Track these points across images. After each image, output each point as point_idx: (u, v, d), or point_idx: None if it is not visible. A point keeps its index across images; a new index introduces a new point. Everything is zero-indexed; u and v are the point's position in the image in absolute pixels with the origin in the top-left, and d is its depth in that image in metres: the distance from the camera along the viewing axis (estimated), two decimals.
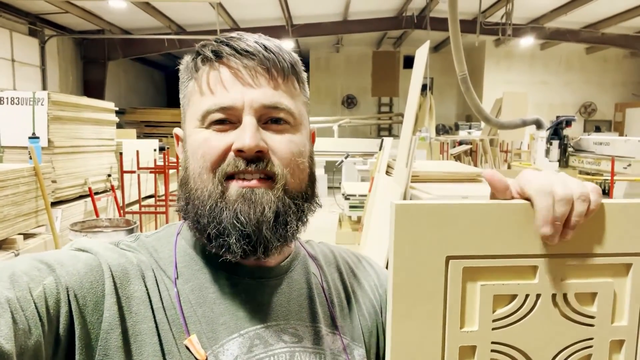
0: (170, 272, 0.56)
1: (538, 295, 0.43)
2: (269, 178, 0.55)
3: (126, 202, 4.52)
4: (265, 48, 0.55)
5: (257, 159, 0.54)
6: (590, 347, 0.44)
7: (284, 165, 0.55)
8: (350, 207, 5.32)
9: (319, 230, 5.17)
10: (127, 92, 11.61)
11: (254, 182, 0.54)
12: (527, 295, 0.42)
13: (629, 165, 6.32)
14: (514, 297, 0.43)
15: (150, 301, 0.53)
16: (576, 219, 0.42)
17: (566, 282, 0.43)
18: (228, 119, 0.55)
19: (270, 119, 0.56)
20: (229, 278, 0.57)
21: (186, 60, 0.60)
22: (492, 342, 0.43)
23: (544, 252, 0.42)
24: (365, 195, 4.53)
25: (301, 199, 0.57)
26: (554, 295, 0.43)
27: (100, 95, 9.17)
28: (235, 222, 0.52)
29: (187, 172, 0.57)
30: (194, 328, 0.53)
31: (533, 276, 0.43)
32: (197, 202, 0.55)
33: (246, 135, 0.53)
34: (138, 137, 6.89)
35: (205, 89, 0.55)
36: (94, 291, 0.49)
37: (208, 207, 0.54)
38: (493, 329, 0.42)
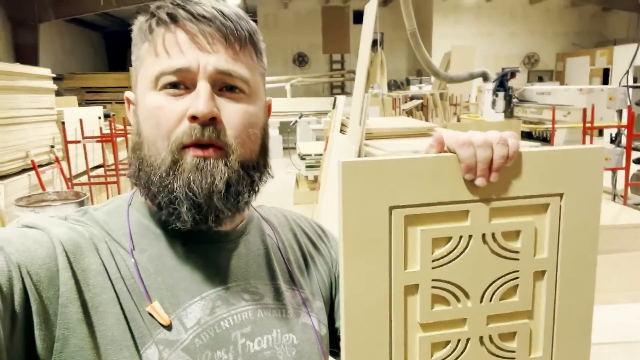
0: (124, 243, 0.55)
1: (470, 236, 0.47)
2: (220, 148, 0.55)
3: (73, 173, 4.33)
4: (223, 15, 0.54)
5: (210, 125, 0.53)
6: (517, 278, 0.49)
7: (235, 135, 0.55)
8: (307, 166, 5.36)
9: (277, 192, 5.20)
10: (64, 57, 10.85)
11: (208, 151, 0.54)
12: (460, 237, 0.47)
13: (569, 113, 6.67)
14: (449, 239, 0.47)
15: (108, 272, 0.52)
16: (499, 161, 0.46)
17: (493, 222, 0.48)
18: (182, 83, 0.54)
19: (225, 86, 0.55)
20: (186, 244, 0.57)
21: (139, 22, 0.58)
22: (433, 280, 0.48)
23: (474, 198, 0.47)
24: (321, 155, 4.58)
25: (253, 169, 0.58)
26: (483, 235, 0.48)
27: (34, 61, 8.52)
28: (187, 191, 0.52)
29: (140, 138, 0.56)
30: (155, 295, 0.53)
31: (465, 219, 0.47)
32: (149, 170, 0.54)
33: (201, 101, 0.52)
34: (80, 104, 6.52)
35: (160, 50, 0.54)
36: (46, 267, 0.48)
37: (159, 175, 0.53)
38: (433, 268, 0.47)
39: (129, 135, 0.61)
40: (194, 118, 0.52)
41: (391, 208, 0.46)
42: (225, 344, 0.55)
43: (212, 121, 0.53)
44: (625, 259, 1.97)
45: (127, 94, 0.62)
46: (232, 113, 0.55)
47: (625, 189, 4.16)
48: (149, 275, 0.54)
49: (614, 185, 4.31)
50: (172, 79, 0.53)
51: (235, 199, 0.55)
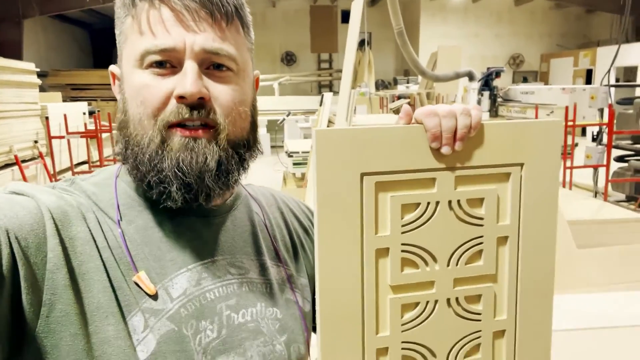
0: (112, 214, 0.55)
1: (437, 203, 0.50)
2: (210, 127, 0.54)
3: (57, 169, 4.30)
4: None
5: (199, 105, 0.53)
6: (481, 243, 0.52)
7: (225, 114, 0.54)
8: (294, 164, 5.37)
9: None
10: (48, 53, 10.72)
11: (198, 132, 0.53)
12: (428, 203, 0.50)
13: (552, 112, 6.78)
14: (418, 205, 0.50)
15: (95, 241, 0.52)
16: (463, 131, 0.49)
17: (459, 190, 0.51)
18: (168, 62, 0.53)
19: (212, 64, 0.54)
20: (174, 217, 0.58)
21: None
22: (402, 244, 0.50)
23: (440, 166, 0.50)
24: (308, 152, 4.60)
25: (243, 147, 0.58)
26: (449, 202, 0.51)
27: (17, 57, 8.36)
28: (176, 170, 0.52)
29: (126, 116, 0.55)
30: (142, 265, 0.54)
31: (432, 186, 0.50)
32: (136, 149, 0.54)
33: (187, 81, 0.51)
34: (64, 101, 6.46)
35: (144, 28, 0.53)
36: (34, 233, 0.48)
37: (148, 155, 0.53)
38: (402, 232, 0.50)
39: (117, 110, 0.61)
40: (181, 98, 0.52)
41: (362, 175, 0.48)
42: (210, 315, 0.55)
43: (200, 101, 0.53)
44: (605, 253, 2.03)
45: (112, 67, 0.61)
46: (220, 93, 0.54)
47: (605, 186, 4.25)
48: (135, 245, 0.54)
49: (595, 182, 4.40)
50: (157, 57, 0.52)
51: (225, 177, 0.55)
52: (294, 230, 0.71)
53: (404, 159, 0.49)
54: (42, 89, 4.54)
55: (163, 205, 0.54)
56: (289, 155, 5.46)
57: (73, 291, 0.49)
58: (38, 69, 4.39)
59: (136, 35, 0.54)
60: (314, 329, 0.71)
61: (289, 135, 7.82)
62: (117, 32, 0.58)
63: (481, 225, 0.52)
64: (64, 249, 0.50)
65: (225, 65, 0.55)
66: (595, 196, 4.32)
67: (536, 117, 5.98)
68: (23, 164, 3.82)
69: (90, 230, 0.53)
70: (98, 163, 4.62)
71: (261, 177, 6.35)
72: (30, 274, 0.47)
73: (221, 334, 0.56)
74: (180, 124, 0.53)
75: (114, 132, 0.59)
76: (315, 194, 0.48)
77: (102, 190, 0.58)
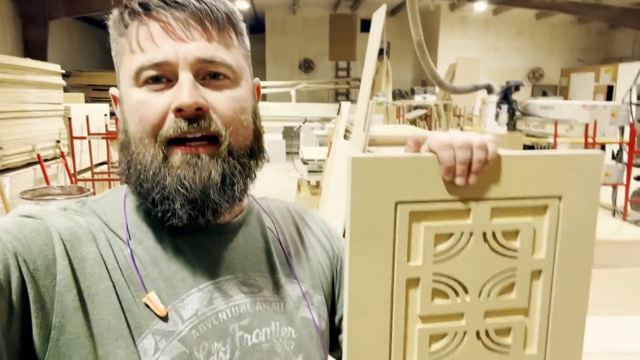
0: (122, 234, 0.55)
1: (471, 234, 0.50)
2: (212, 140, 0.53)
3: (77, 169, 4.37)
4: None
5: (198, 117, 0.52)
6: (514, 276, 0.51)
7: (226, 124, 0.53)
8: (309, 171, 5.38)
9: (279, 195, 5.21)
10: (72, 54, 10.94)
11: (199, 149, 0.53)
12: (462, 234, 0.49)
13: (571, 128, 6.69)
14: (451, 235, 0.49)
15: (105, 262, 0.52)
16: (477, 165, 0.47)
17: (494, 221, 0.50)
18: (163, 76, 0.52)
19: (208, 74, 0.53)
20: (183, 236, 0.57)
21: (114, 15, 0.56)
22: (434, 274, 0.50)
23: (476, 197, 0.49)
24: (324, 160, 4.60)
25: (247, 156, 0.56)
26: (484, 233, 0.50)
27: (42, 57, 8.57)
28: (179, 187, 0.52)
29: (127, 136, 0.55)
30: (152, 286, 0.53)
31: (467, 217, 0.50)
32: (139, 167, 0.53)
33: (183, 93, 0.50)
34: (86, 101, 6.58)
35: (135, 46, 0.52)
36: (43, 255, 0.48)
37: (151, 173, 0.52)
38: (434, 262, 0.49)
39: (119, 131, 0.61)
40: (179, 111, 0.51)
41: (397, 203, 0.48)
42: (222, 336, 0.54)
43: (198, 111, 0.51)
44: (623, 274, 1.98)
45: (112, 90, 0.60)
46: (219, 102, 0.53)
47: (625, 205, 4.17)
48: (145, 266, 0.54)
49: (614, 201, 4.32)
50: (152, 73, 0.52)
51: (231, 189, 0.54)
52: (308, 242, 0.69)
53: (439, 188, 0.49)
54: (64, 88, 4.63)
55: (169, 223, 0.53)
56: (304, 162, 5.48)
57: (83, 313, 0.49)
58: (62, 71, 4.48)
59: (129, 54, 0.54)
60: (331, 349, 0.70)
61: (304, 142, 7.84)
62: (113, 54, 0.57)
63: (515, 258, 0.51)
64: (74, 271, 0.50)
65: (221, 73, 0.54)
66: (614, 215, 4.25)
67: (555, 132, 5.88)
68: (45, 163, 3.89)
69: (100, 251, 0.53)
70: (117, 164, 4.68)
71: (275, 183, 6.36)
72: (40, 297, 0.47)
73: (234, 355, 0.55)
74: (181, 140, 0.53)
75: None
76: (348, 220, 0.48)
77: (112, 210, 0.57)
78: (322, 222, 0.74)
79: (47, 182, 3.83)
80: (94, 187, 4.24)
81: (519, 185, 0.50)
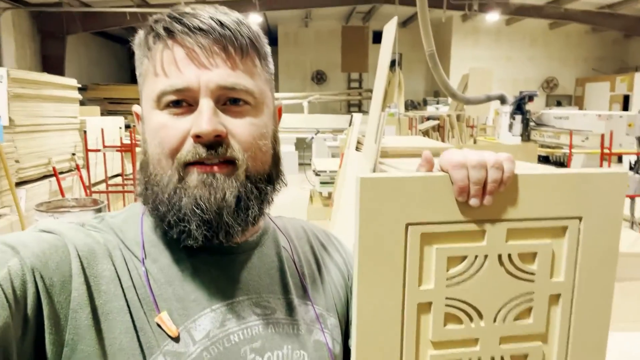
0: (137, 252, 0.55)
1: (486, 256, 0.48)
2: (229, 163, 0.53)
3: (92, 181, 4.43)
4: (221, 24, 0.52)
5: (216, 143, 0.52)
6: (532, 300, 0.49)
7: (244, 149, 0.53)
8: (321, 183, 5.37)
9: (291, 206, 5.21)
10: (89, 68, 11.17)
11: (214, 168, 0.53)
12: (476, 256, 0.47)
13: (587, 138, 6.59)
14: (464, 257, 0.47)
15: (120, 280, 0.52)
16: (492, 185, 0.46)
17: (510, 243, 0.48)
18: (184, 100, 0.53)
19: (228, 99, 0.53)
20: (198, 255, 0.56)
21: (139, 37, 0.56)
22: (446, 298, 0.48)
23: (491, 218, 0.47)
24: (336, 171, 4.59)
25: (264, 181, 0.56)
26: (499, 256, 0.48)
27: (60, 71, 8.77)
28: (195, 208, 0.52)
29: (146, 156, 0.55)
30: (165, 305, 0.53)
31: (481, 239, 0.48)
32: (156, 188, 0.54)
33: (203, 120, 0.51)
34: (102, 114, 6.68)
35: (159, 70, 0.53)
36: (60, 271, 0.48)
37: (167, 194, 0.53)
38: (447, 286, 0.47)
39: (140, 150, 0.61)
40: (197, 137, 0.51)
41: (408, 225, 0.46)
42: (234, 359, 0.54)
43: (217, 138, 0.52)
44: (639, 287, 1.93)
45: (135, 108, 0.61)
46: (238, 128, 0.53)
47: None
48: (159, 285, 0.54)
49: (632, 212, 4.22)
50: (173, 97, 0.52)
51: (245, 213, 0.54)
52: (323, 263, 0.68)
53: (452, 209, 0.47)
54: (81, 102, 4.71)
55: (184, 244, 0.53)
56: (317, 174, 5.47)
57: (95, 331, 0.49)
58: (79, 85, 4.56)
59: (152, 77, 0.54)
60: None
61: (316, 154, 7.84)
62: (137, 73, 0.58)
63: (532, 281, 0.49)
64: (89, 288, 0.50)
65: (242, 99, 0.54)
66: (632, 227, 4.14)
67: (570, 142, 5.79)
68: (60, 176, 3.94)
69: (115, 269, 0.53)
70: (131, 176, 4.73)
71: (287, 195, 6.34)
72: (54, 313, 0.47)
73: None
74: (198, 162, 0.53)
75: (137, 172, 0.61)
76: (357, 242, 0.46)
77: (129, 227, 0.58)
78: (337, 241, 0.73)
79: (62, 195, 3.87)
80: (108, 200, 4.29)
81: (537, 206, 0.48)
